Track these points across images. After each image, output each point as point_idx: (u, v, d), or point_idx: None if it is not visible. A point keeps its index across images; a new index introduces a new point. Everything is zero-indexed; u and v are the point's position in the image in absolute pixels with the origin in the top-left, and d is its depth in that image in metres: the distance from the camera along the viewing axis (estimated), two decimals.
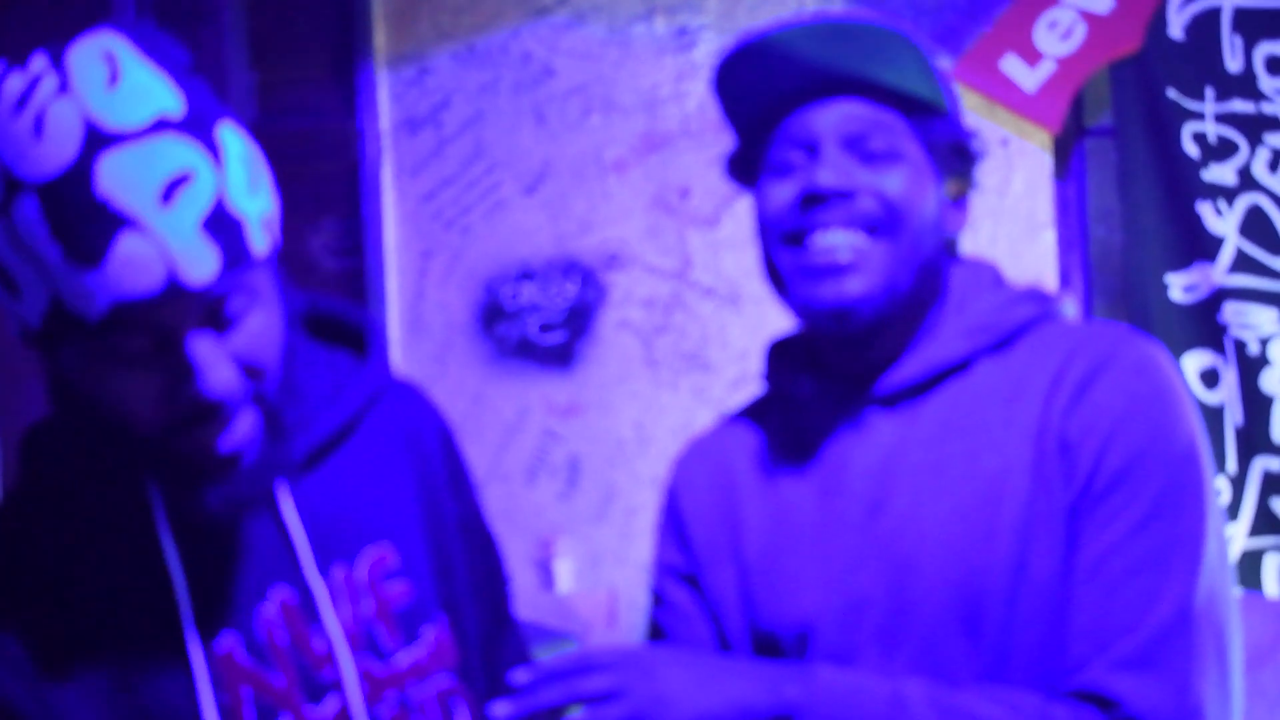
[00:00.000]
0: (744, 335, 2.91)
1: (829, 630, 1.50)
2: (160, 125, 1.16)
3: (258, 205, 1.24)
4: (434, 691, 1.49)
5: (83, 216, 1.15)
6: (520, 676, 1.36)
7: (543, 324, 2.98)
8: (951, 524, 1.45)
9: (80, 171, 1.14)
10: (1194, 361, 2.81)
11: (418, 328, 3.02)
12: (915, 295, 1.51)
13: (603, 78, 2.93)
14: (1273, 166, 2.77)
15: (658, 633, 1.70)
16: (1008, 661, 1.43)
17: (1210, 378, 2.81)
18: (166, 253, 1.16)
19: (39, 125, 1.15)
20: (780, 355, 1.68)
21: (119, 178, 1.15)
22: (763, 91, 1.53)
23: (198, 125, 1.18)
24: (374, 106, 2.87)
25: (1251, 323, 2.75)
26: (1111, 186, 2.85)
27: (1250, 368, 2.76)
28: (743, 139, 1.59)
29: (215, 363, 1.23)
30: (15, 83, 1.16)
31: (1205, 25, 2.78)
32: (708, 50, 2.90)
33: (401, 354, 3.06)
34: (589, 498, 3.01)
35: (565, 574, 3.01)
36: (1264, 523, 2.77)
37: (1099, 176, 2.85)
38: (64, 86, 1.15)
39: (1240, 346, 2.76)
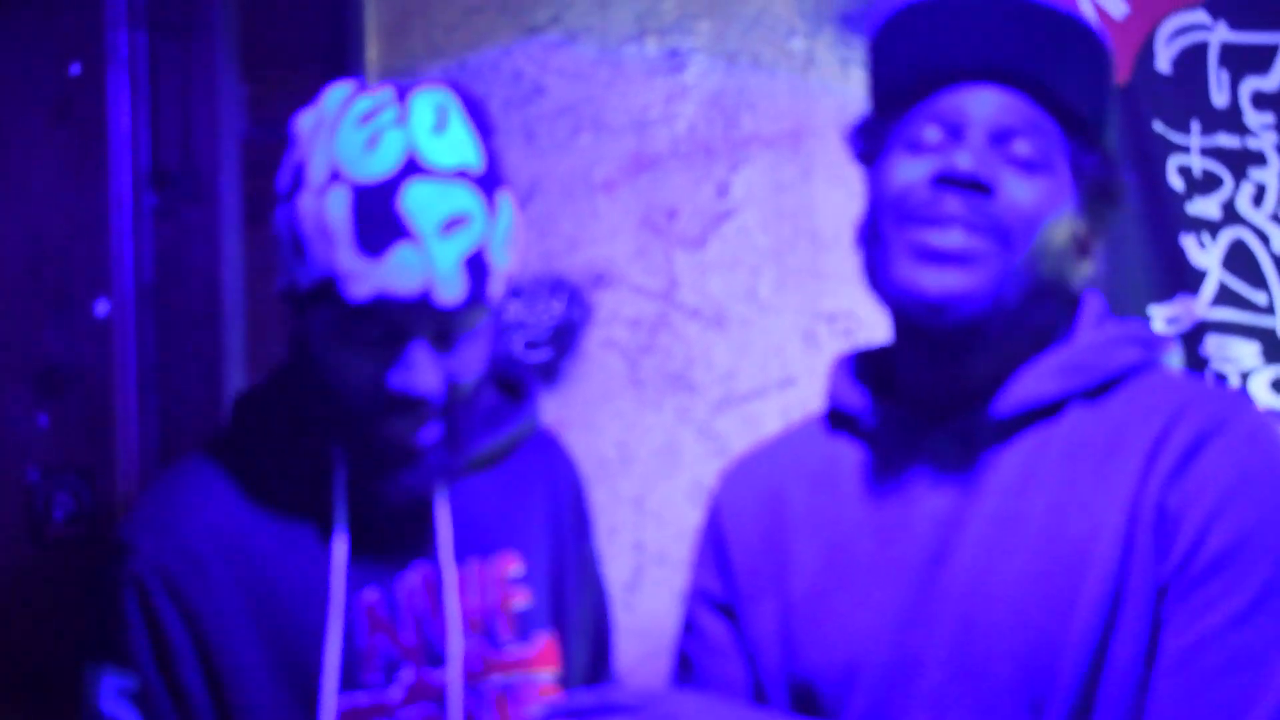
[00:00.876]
0: (729, 357, 2.91)
1: (875, 687, 1.39)
2: (461, 174, 1.51)
3: (505, 262, 1.57)
4: (535, 687, 1.71)
5: (380, 219, 1.47)
6: (538, 712, 1.33)
7: (528, 341, 2.98)
8: (1025, 588, 1.33)
9: (391, 186, 1.48)
10: None
11: None
12: (1019, 319, 1.39)
13: (593, 98, 2.94)
14: (1257, 201, 2.78)
15: (686, 664, 1.62)
16: None
17: None
18: (430, 270, 1.48)
19: (373, 141, 1.49)
20: (848, 374, 1.57)
21: (417, 201, 1.48)
22: (919, 61, 1.41)
23: (487, 184, 1.53)
24: None
25: (1233, 356, 2.77)
26: (1103, 233, 2.85)
27: None
28: (881, 107, 1.47)
29: (428, 369, 1.52)
30: (364, 103, 1.53)
31: (1192, 60, 2.79)
32: (698, 72, 2.91)
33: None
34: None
35: None
36: None
37: None
38: (401, 119, 1.50)
39: (1222, 380, 2.77)
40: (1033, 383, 1.39)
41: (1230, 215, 2.78)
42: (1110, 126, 1.42)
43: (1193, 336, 2.79)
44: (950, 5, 1.36)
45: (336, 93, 1.58)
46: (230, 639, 1.59)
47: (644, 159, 2.93)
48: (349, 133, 1.52)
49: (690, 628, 1.63)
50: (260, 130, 2.73)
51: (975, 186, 1.34)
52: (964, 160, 1.34)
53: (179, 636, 1.57)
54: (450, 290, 1.50)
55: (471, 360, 1.59)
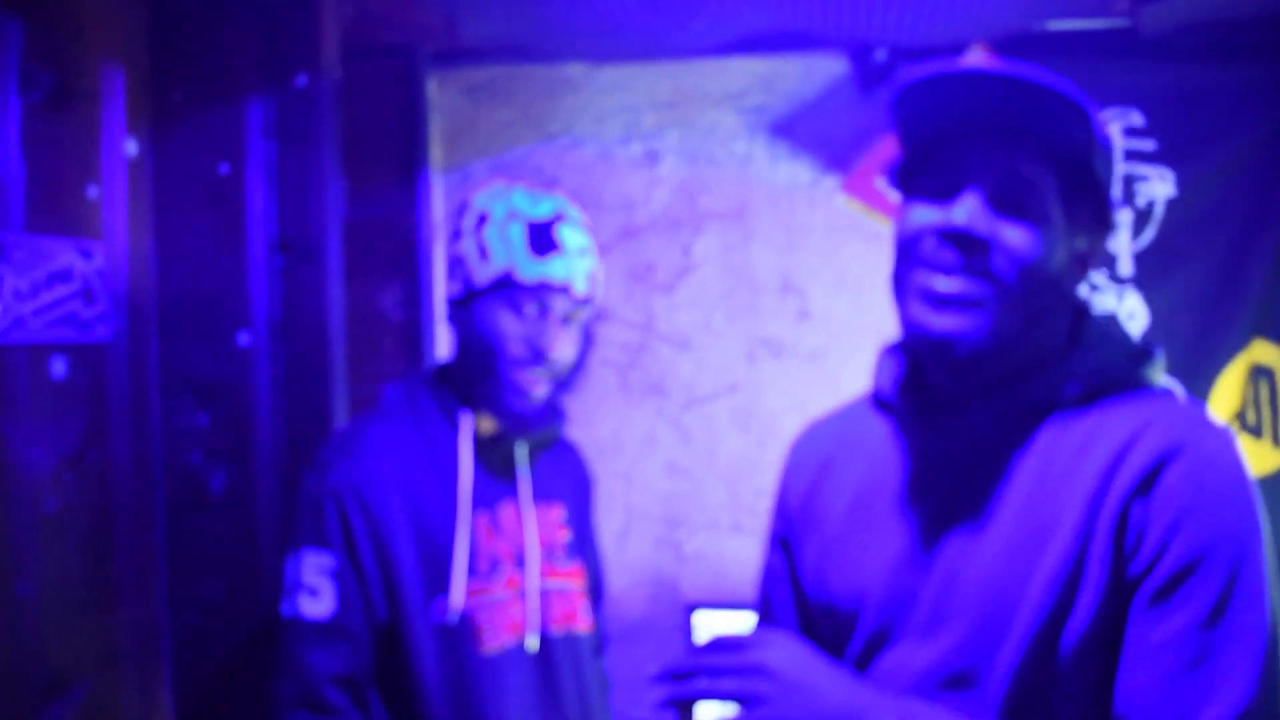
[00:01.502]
0: (692, 371, 2.94)
1: (878, 614, 1.30)
2: (586, 228, 1.89)
3: (600, 293, 1.93)
4: (574, 594, 1.92)
5: (544, 239, 1.81)
6: (679, 661, 1.21)
7: None
8: (996, 554, 1.22)
9: (550, 223, 1.82)
10: None
11: None
12: (1021, 338, 1.24)
13: (593, 185, 2.96)
14: None
15: (777, 580, 1.49)
16: (1006, 690, 1.19)
17: None
18: (571, 271, 1.81)
19: (536, 200, 1.85)
20: (885, 363, 1.44)
21: (565, 233, 1.82)
22: (931, 122, 1.26)
23: (591, 243, 1.90)
24: (429, 202, 2.89)
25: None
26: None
27: None
28: (910, 153, 1.32)
29: (557, 335, 1.81)
30: (523, 186, 1.90)
31: None
32: (669, 167, 2.93)
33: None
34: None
35: None
36: None
37: None
38: (550, 194, 1.89)
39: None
40: (1031, 388, 1.26)
41: None
42: (1101, 170, 1.25)
43: None
44: (958, 78, 1.21)
45: (498, 184, 1.91)
46: (395, 535, 1.75)
47: (630, 229, 2.96)
48: (520, 196, 1.85)
49: (767, 558, 1.52)
50: (355, 211, 2.75)
51: (971, 240, 1.21)
52: (960, 216, 1.21)
53: (361, 530, 1.73)
54: (581, 286, 1.82)
55: (576, 342, 1.86)
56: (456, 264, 1.85)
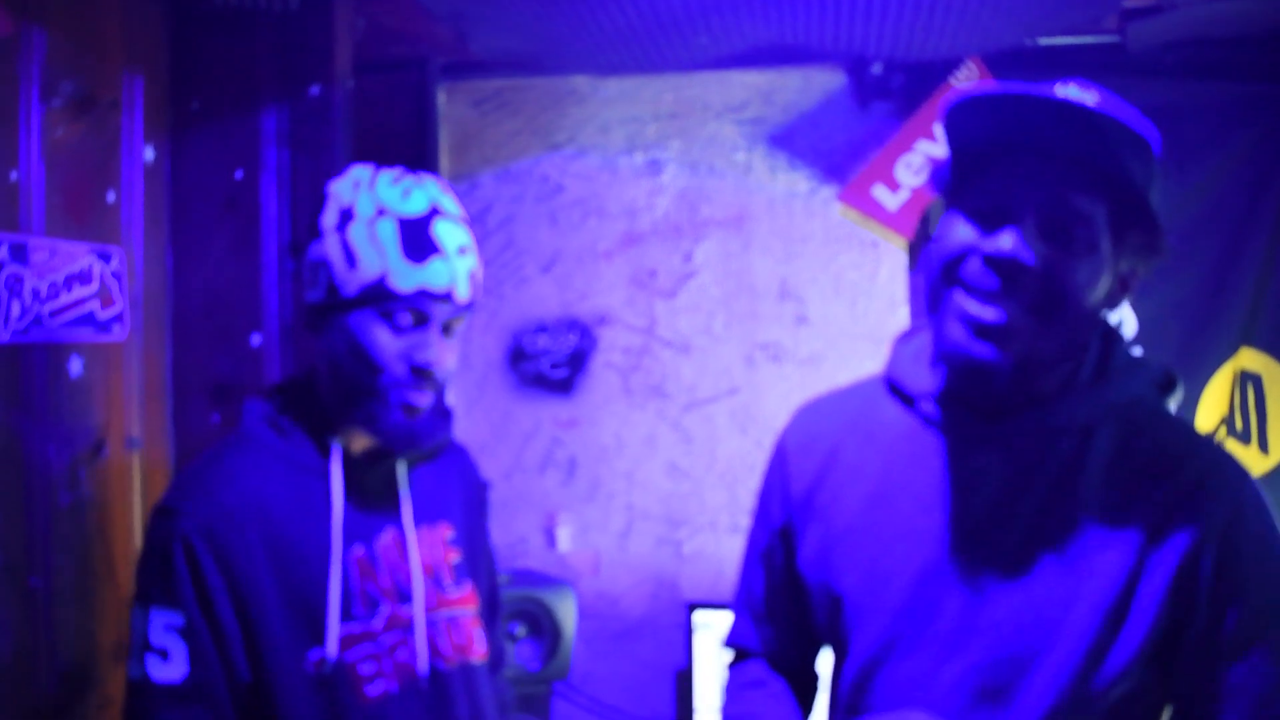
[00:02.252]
0: (692, 374, 2.94)
1: (896, 619, 1.25)
2: (462, 220, 1.57)
3: (479, 287, 1.59)
4: (467, 619, 1.65)
5: (420, 240, 1.50)
6: None
7: (552, 363, 2.99)
8: (1034, 577, 1.18)
9: (425, 221, 1.51)
10: None
11: (464, 365, 3.03)
12: (1055, 364, 1.20)
13: (597, 193, 2.96)
14: None
15: (768, 566, 1.44)
16: (1042, 708, 1.17)
17: None
18: (453, 276, 1.52)
19: (405, 193, 1.53)
20: (910, 355, 1.35)
21: (443, 232, 1.52)
22: (986, 138, 1.17)
23: (469, 234, 1.58)
24: None
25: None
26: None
27: None
28: (957, 160, 1.23)
29: (439, 347, 1.53)
30: (389, 174, 1.56)
31: None
32: (671, 175, 2.93)
33: (454, 384, 3.08)
34: (582, 485, 3.01)
35: (564, 538, 3.01)
36: None
37: None
38: (420, 183, 1.56)
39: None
40: (1068, 407, 1.21)
41: None
42: (1156, 199, 1.18)
43: None
44: (1014, 99, 1.13)
45: (362, 169, 1.59)
46: (256, 583, 1.48)
47: (633, 236, 2.95)
48: (386, 188, 1.53)
49: (760, 543, 1.45)
50: None
51: (1017, 268, 1.13)
52: (1008, 243, 1.13)
53: (216, 581, 1.46)
54: (462, 291, 1.53)
55: (455, 351, 1.59)
56: (318, 268, 1.54)
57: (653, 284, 2.94)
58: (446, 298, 1.51)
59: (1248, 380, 2.72)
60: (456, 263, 1.52)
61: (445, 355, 1.54)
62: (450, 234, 1.53)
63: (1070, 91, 1.14)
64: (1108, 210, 1.15)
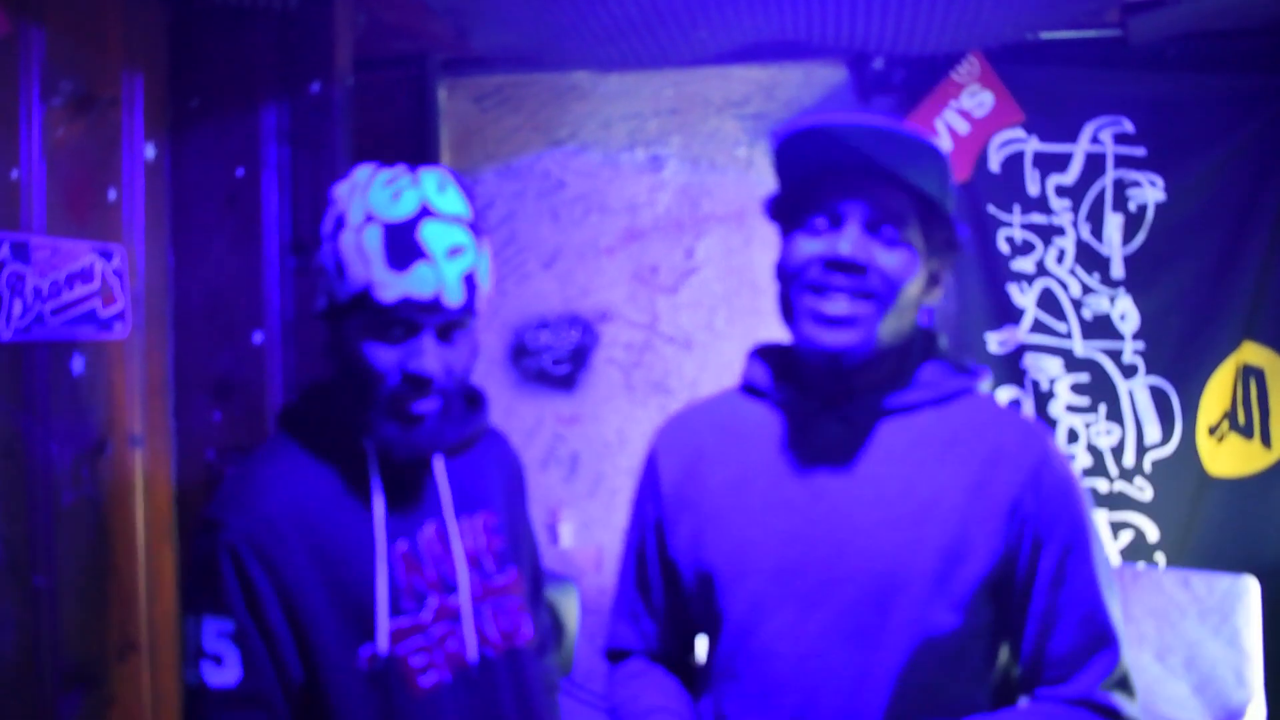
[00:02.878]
0: (694, 370, 2.93)
1: (762, 585, 1.40)
2: (458, 219, 1.50)
3: (486, 285, 1.55)
4: (514, 606, 1.67)
5: (405, 246, 1.45)
6: None
7: (554, 359, 2.99)
8: (882, 526, 1.36)
9: (411, 224, 1.46)
10: (1004, 394, 2.82)
11: None
12: (893, 348, 1.41)
13: (599, 189, 2.95)
14: (1059, 260, 2.80)
15: (641, 563, 1.58)
16: (909, 642, 1.33)
17: (1014, 405, 2.82)
18: (440, 281, 1.46)
19: (396, 195, 1.47)
20: (762, 360, 1.55)
21: (430, 234, 1.47)
22: (818, 163, 1.38)
23: (475, 229, 1.52)
24: None
25: (1043, 368, 2.78)
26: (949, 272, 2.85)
27: (1041, 399, 2.79)
28: (785, 191, 1.45)
29: (433, 355, 1.49)
30: (386, 174, 1.50)
31: (1014, 162, 2.81)
32: (672, 171, 2.93)
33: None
34: (584, 481, 3.01)
35: (567, 534, 3.01)
36: None
37: None
38: (414, 183, 1.49)
39: (1035, 384, 2.79)
40: (900, 393, 1.43)
41: (1041, 270, 2.80)
42: (950, 202, 1.41)
43: (1015, 354, 2.81)
44: (837, 129, 1.34)
45: (364, 170, 1.55)
46: (302, 586, 1.50)
47: (634, 232, 2.95)
48: (378, 191, 1.49)
49: (636, 540, 1.60)
50: None
51: (854, 266, 1.35)
52: (844, 247, 1.35)
53: (264, 586, 1.48)
54: (454, 296, 1.48)
55: (463, 353, 1.54)
56: (319, 275, 1.55)
57: (654, 280, 2.93)
58: (434, 304, 1.47)
59: (1250, 374, 2.72)
60: (445, 267, 1.48)
61: (442, 362, 1.50)
62: (439, 236, 1.48)
63: (870, 117, 1.38)
64: (917, 213, 1.37)
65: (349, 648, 1.52)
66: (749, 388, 1.55)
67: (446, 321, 1.50)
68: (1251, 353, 2.71)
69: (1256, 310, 2.70)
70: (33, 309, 1.83)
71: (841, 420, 1.43)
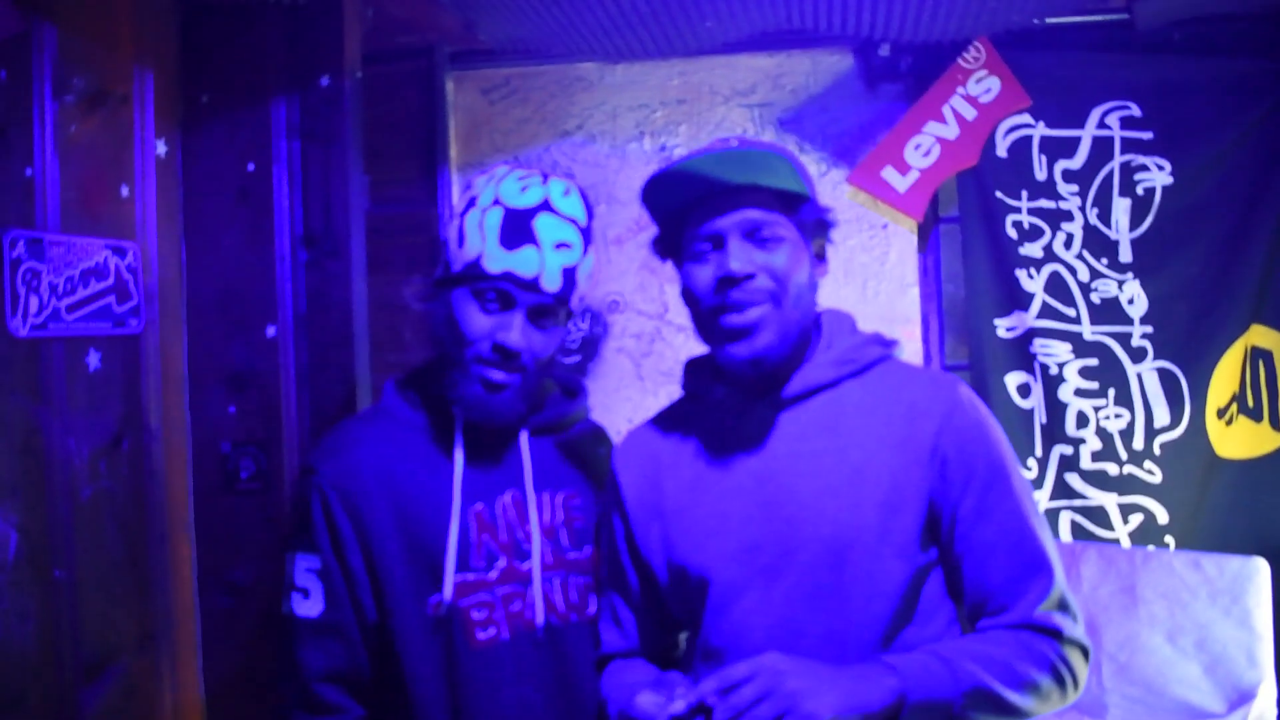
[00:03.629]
0: None
1: (728, 567, 1.52)
2: (572, 220, 1.70)
3: (584, 284, 1.74)
4: (583, 583, 1.77)
5: (519, 229, 1.65)
6: (681, 705, 1.33)
7: (564, 349, 2.99)
8: (825, 494, 1.49)
9: (530, 213, 1.66)
10: (1013, 379, 2.81)
11: None
12: (800, 337, 1.55)
13: (607, 180, 2.95)
14: (1067, 245, 2.79)
15: (618, 572, 1.69)
16: (865, 592, 1.46)
17: (1024, 390, 2.81)
18: (543, 265, 1.65)
19: (524, 188, 1.68)
20: (696, 370, 1.70)
21: (544, 225, 1.66)
22: (680, 198, 1.55)
23: (585, 234, 1.71)
24: (449, 198, 2.89)
25: (1052, 352, 2.78)
26: (957, 258, 2.85)
27: (1051, 383, 2.78)
28: (664, 231, 1.63)
29: (521, 331, 1.66)
30: (520, 171, 1.73)
31: (1021, 147, 2.80)
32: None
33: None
34: None
35: None
36: (1060, 491, 2.78)
37: (949, 251, 2.87)
38: (544, 182, 1.71)
39: (1044, 368, 2.78)
40: (820, 370, 1.55)
41: (1049, 255, 2.79)
42: (806, 189, 1.54)
43: (1024, 339, 2.80)
44: (695, 164, 1.51)
45: (504, 167, 1.77)
46: (382, 534, 1.66)
47: (644, 222, 2.93)
48: (510, 182, 1.70)
49: (609, 552, 1.72)
50: (377, 207, 2.76)
51: (744, 277, 1.48)
52: (733, 264, 1.48)
53: (347, 530, 1.65)
54: (552, 282, 1.66)
55: (549, 341, 1.71)
56: (443, 246, 1.75)
57: (664, 270, 2.92)
58: (533, 284, 1.64)
59: (1259, 357, 2.72)
60: (550, 255, 1.65)
61: (527, 339, 1.66)
62: (551, 228, 1.67)
63: (727, 143, 1.57)
64: (783, 208, 1.51)
65: (419, 596, 1.66)
66: (689, 397, 1.69)
67: (540, 304, 1.67)
68: (1260, 335, 2.71)
69: (1264, 293, 2.69)
70: (48, 305, 1.84)
71: (771, 407, 1.55)
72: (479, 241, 1.65)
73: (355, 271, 2.32)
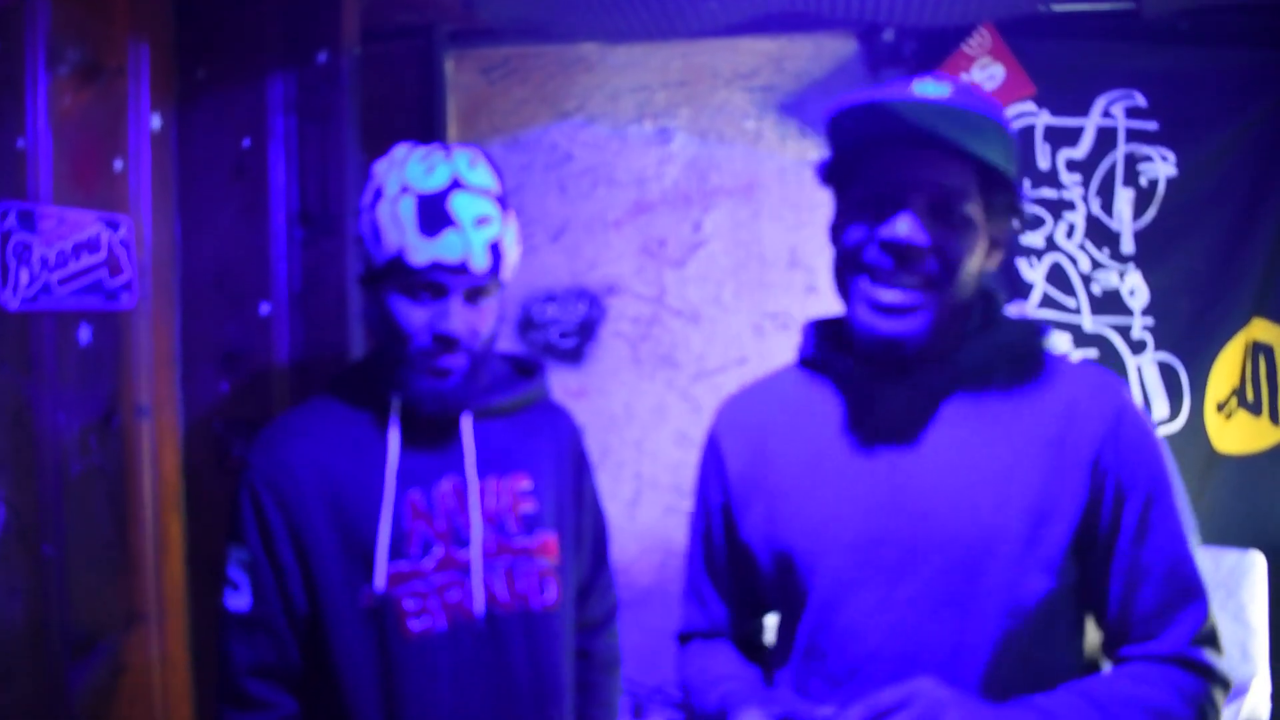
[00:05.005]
0: (701, 344, 2.93)
1: (843, 560, 1.35)
2: (486, 192, 1.62)
3: (513, 254, 1.68)
4: (536, 570, 1.72)
5: (435, 214, 1.58)
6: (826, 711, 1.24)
7: (561, 333, 2.99)
8: (965, 491, 1.31)
9: (442, 195, 1.59)
10: None
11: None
12: (953, 324, 1.35)
13: (606, 162, 2.94)
14: (1069, 235, 2.79)
15: (709, 546, 1.55)
16: (1000, 607, 1.29)
17: None
18: (468, 247, 1.58)
19: (429, 169, 1.61)
20: (820, 334, 1.49)
21: (459, 204, 1.59)
22: (874, 137, 1.31)
23: (502, 202, 1.64)
24: None
25: (1052, 343, 2.77)
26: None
27: None
28: (838, 158, 1.38)
29: (459, 316, 1.60)
30: (421, 151, 1.64)
31: (1024, 136, 2.80)
32: (680, 144, 2.91)
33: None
34: (591, 454, 3.00)
35: None
36: None
37: None
38: (448, 158, 1.63)
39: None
40: (967, 354, 1.36)
41: (1050, 245, 2.79)
42: (1014, 168, 1.32)
43: None
44: (893, 105, 1.27)
45: (402, 148, 1.68)
46: (313, 526, 1.63)
47: (642, 205, 2.94)
48: (413, 165, 1.63)
49: (703, 526, 1.56)
50: None
51: (911, 249, 1.28)
52: (902, 229, 1.27)
53: (277, 523, 1.63)
54: (480, 262, 1.60)
55: (488, 318, 1.66)
56: (358, 243, 1.69)
57: (662, 253, 2.92)
58: (461, 268, 1.59)
59: (1259, 351, 2.71)
60: (472, 234, 1.59)
61: (469, 324, 1.62)
62: (468, 206, 1.60)
63: (928, 89, 1.30)
64: (978, 184, 1.30)
65: (351, 587, 1.63)
66: (807, 362, 1.50)
67: (473, 286, 1.62)
68: (1261, 329, 2.70)
69: (1266, 287, 2.69)
70: (39, 278, 1.82)
71: (909, 389, 1.36)
72: (396, 234, 1.59)
73: (350, 250, 2.29)
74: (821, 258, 2.86)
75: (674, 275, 2.92)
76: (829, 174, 1.41)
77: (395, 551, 1.63)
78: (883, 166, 1.31)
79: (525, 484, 1.73)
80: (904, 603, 1.31)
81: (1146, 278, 2.74)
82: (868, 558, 1.33)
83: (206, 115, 2.25)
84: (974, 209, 1.30)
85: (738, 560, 1.51)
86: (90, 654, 1.95)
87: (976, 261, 1.33)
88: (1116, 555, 1.32)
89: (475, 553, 1.66)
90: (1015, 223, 1.39)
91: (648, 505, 2.94)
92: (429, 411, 1.66)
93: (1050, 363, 1.39)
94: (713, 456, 1.55)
